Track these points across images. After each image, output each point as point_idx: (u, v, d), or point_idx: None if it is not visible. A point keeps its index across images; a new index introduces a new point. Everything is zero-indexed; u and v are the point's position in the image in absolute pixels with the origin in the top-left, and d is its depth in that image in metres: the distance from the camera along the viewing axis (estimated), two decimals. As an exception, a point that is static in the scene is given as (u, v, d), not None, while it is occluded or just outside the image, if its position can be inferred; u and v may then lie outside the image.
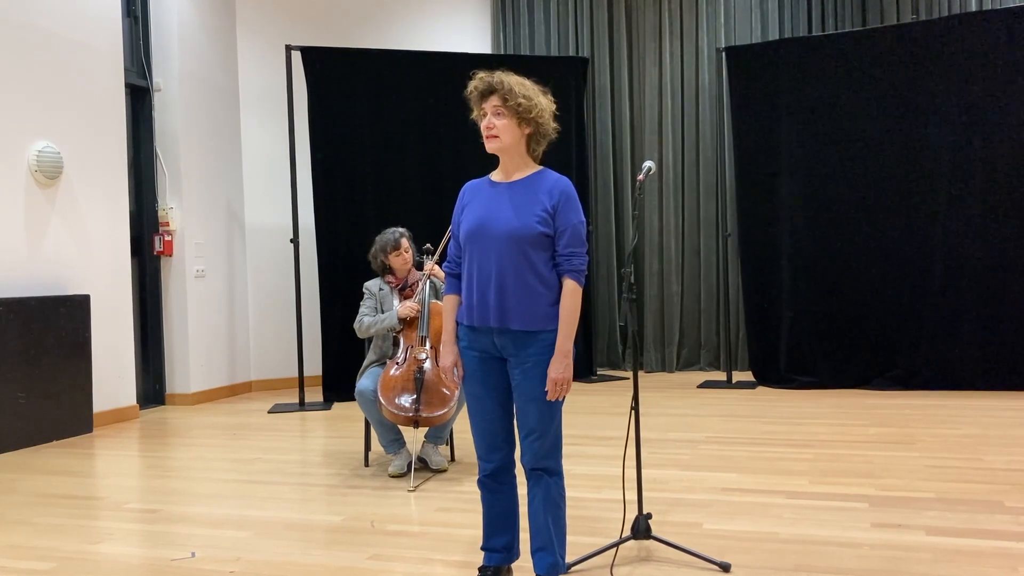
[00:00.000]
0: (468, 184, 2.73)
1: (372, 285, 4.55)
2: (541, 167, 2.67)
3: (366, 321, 4.43)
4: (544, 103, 2.61)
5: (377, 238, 4.55)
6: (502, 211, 2.56)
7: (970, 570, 2.82)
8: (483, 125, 2.58)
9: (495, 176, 2.68)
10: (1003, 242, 6.33)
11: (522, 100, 2.55)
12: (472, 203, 2.65)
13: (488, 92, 2.57)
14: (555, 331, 2.54)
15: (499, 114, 2.56)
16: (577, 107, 7.72)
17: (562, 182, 2.61)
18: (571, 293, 2.56)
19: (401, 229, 4.54)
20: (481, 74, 2.60)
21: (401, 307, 4.36)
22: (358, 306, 4.53)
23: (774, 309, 7.01)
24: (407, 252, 4.51)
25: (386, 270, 4.55)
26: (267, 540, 3.38)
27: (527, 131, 2.60)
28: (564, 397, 2.56)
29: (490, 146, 2.59)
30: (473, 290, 2.59)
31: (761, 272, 7.05)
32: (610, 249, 8.18)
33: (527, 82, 2.61)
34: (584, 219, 2.63)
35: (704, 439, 5.00)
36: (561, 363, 2.53)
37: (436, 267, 4.43)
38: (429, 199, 7.16)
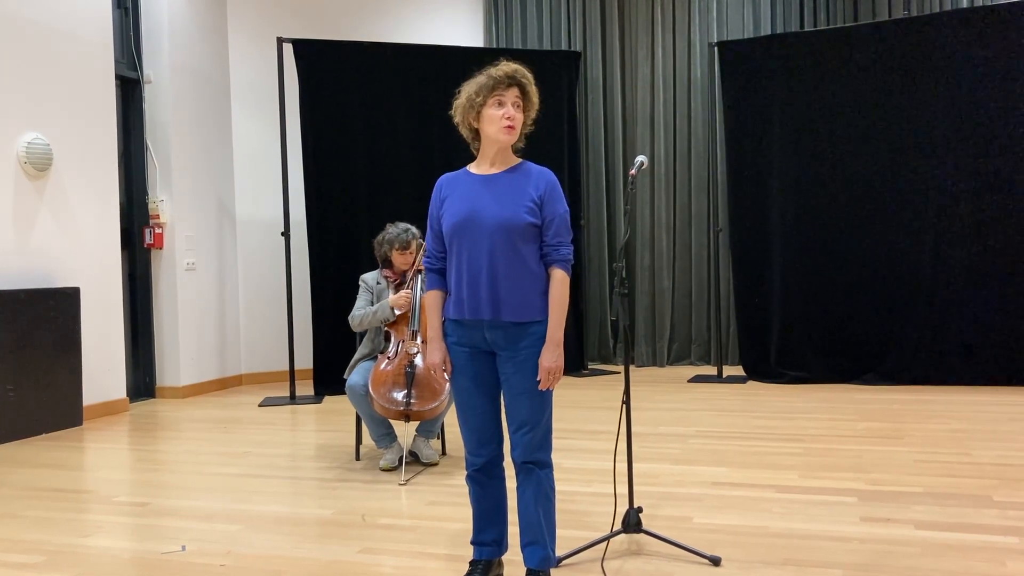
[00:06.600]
0: (444, 177, 2.71)
1: (369, 278, 4.55)
2: (521, 159, 2.67)
3: (357, 315, 4.43)
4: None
5: (390, 227, 4.51)
6: (490, 203, 2.56)
7: (958, 564, 2.83)
8: (501, 115, 2.56)
9: (474, 168, 2.67)
10: (992, 238, 6.35)
11: (535, 97, 2.62)
12: (452, 196, 2.63)
13: (512, 83, 2.58)
14: (545, 322, 2.56)
15: (518, 107, 2.59)
16: (569, 101, 7.72)
17: (546, 173, 2.63)
18: (560, 282, 2.57)
19: (416, 231, 4.50)
20: (506, 62, 2.60)
21: (394, 297, 4.37)
22: (349, 299, 4.52)
23: (765, 304, 7.02)
24: (412, 255, 4.49)
25: (386, 263, 4.55)
26: (257, 534, 3.38)
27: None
28: (554, 388, 2.57)
29: (507, 137, 2.58)
30: (463, 284, 2.57)
31: (752, 267, 7.06)
32: (602, 244, 8.19)
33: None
34: (568, 209, 2.64)
35: (694, 433, 5.01)
36: (553, 352, 2.53)
37: (425, 262, 4.42)
38: (420, 191, 7.09)
